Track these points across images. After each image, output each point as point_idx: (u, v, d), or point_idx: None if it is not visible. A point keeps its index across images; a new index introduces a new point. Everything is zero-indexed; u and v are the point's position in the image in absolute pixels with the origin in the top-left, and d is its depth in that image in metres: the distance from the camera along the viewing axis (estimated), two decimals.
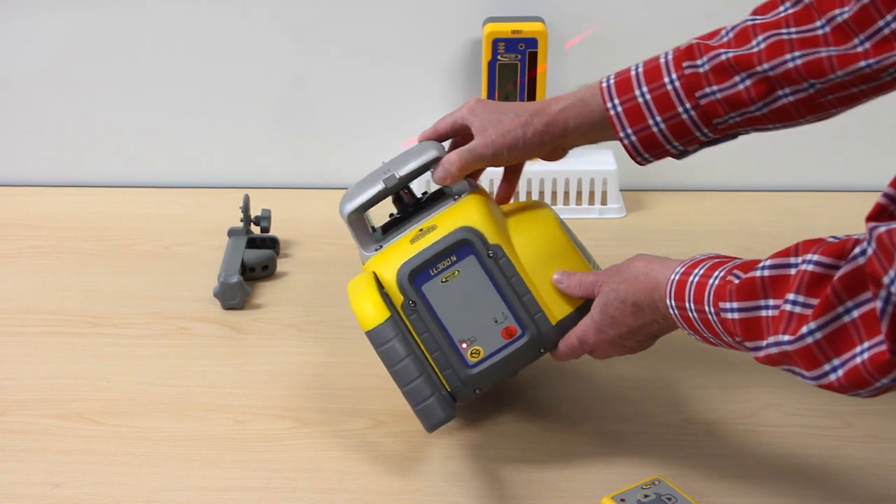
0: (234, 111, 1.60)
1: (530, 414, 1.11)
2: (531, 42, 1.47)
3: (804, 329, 0.80)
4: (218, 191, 1.59)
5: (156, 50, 1.57)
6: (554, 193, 1.53)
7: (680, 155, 1.06)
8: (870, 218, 0.77)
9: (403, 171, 1.06)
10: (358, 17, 1.54)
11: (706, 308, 0.89)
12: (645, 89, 1.02)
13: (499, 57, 1.48)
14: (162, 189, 1.61)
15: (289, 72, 1.57)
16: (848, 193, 1.57)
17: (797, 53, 0.95)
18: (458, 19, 1.53)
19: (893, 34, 0.90)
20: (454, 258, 1.01)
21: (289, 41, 1.56)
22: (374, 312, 0.98)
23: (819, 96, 0.97)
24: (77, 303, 1.32)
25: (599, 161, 1.52)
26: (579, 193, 1.54)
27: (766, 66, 0.97)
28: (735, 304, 0.86)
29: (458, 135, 1.11)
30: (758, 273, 0.85)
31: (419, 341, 1.00)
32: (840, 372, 0.80)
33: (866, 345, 0.78)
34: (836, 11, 0.93)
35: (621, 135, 1.04)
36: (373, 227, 1.10)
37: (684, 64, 1.01)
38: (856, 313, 0.78)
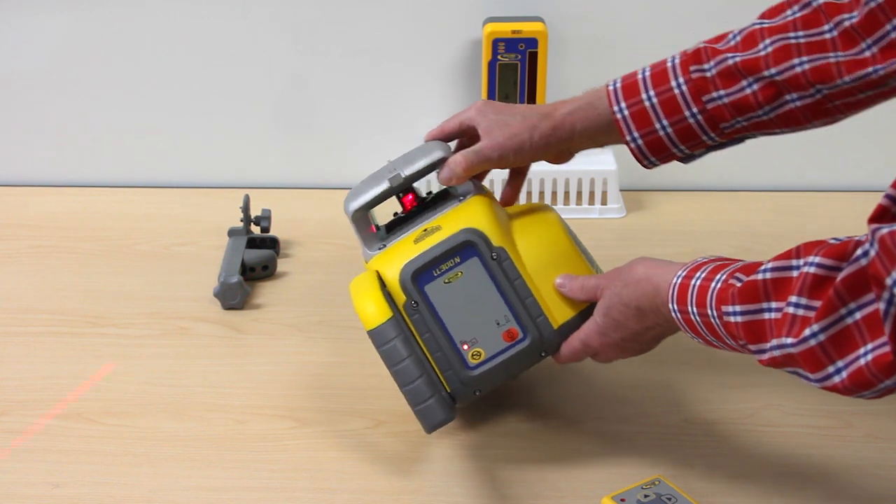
0: (234, 111, 1.60)
1: (530, 414, 1.11)
2: (531, 42, 1.47)
3: (807, 331, 0.80)
4: (218, 191, 1.59)
5: (156, 50, 1.57)
6: (554, 193, 1.53)
7: (686, 158, 1.06)
8: (872, 219, 0.77)
9: (409, 170, 1.06)
10: (358, 17, 1.54)
11: (709, 311, 0.89)
12: (652, 93, 1.02)
13: (499, 57, 1.48)
14: (162, 189, 1.61)
15: (289, 72, 1.57)
16: (848, 193, 1.57)
17: (805, 59, 0.95)
18: (458, 19, 1.53)
19: None
20: (458, 259, 1.01)
21: (289, 41, 1.56)
22: (376, 312, 0.98)
23: (826, 102, 0.97)
24: (77, 303, 1.32)
25: (599, 161, 1.52)
26: (579, 193, 1.54)
27: (773, 70, 0.97)
28: (738, 308, 0.86)
29: (465, 135, 1.10)
30: (760, 276, 0.85)
31: (420, 341, 1.00)
32: (844, 374, 0.80)
33: (870, 346, 0.78)
34: (845, 16, 0.92)
35: (628, 138, 1.04)
36: (376, 226, 1.10)
37: (691, 68, 1.01)
38: (858, 315, 0.78)
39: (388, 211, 1.12)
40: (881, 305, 0.76)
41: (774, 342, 0.83)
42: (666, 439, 1.07)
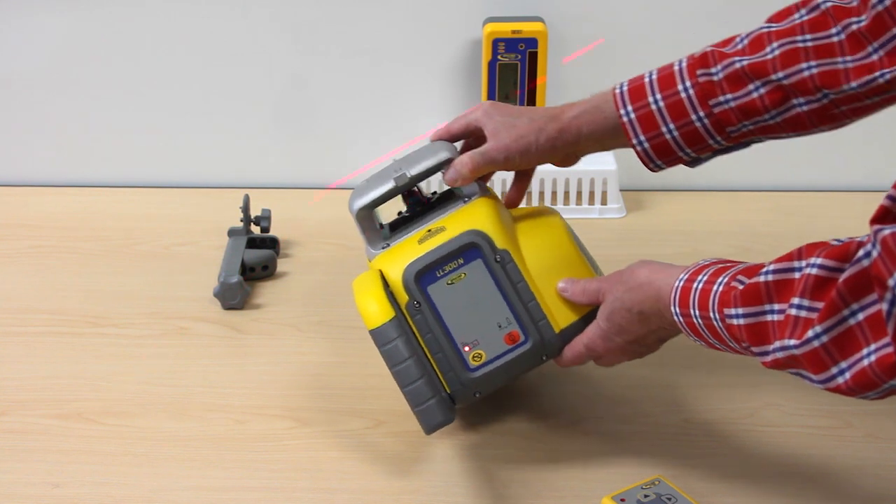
0: (234, 111, 1.60)
1: (530, 414, 1.11)
2: (531, 42, 1.47)
3: (810, 333, 0.80)
4: (218, 191, 1.59)
5: (156, 50, 1.57)
6: (554, 193, 1.53)
7: (692, 162, 1.06)
8: (874, 220, 0.77)
9: (415, 170, 1.06)
10: (358, 17, 1.54)
11: (711, 315, 0.89)
12: (658, 96, 1.02)
13: (499, 57, 1.48)
14: (162, 189, 1.61)
15: (289, 72, 1.57)
16: (848, 193, 1.57)
17: (812, 63, 0.95)
18: (458, 19, 1.53)
19: None
20: (461, 261, 1.01)
21: (289, 41, 1.56)
22: (378, 311, 0.98)
23: (833, 107, 0.96)
24: (77, 303, 1.32)
25: (599, 161, 1.52)
26: (579, 193, 1.54)
27: (780, 74, 0.96)
28: (740, 310, 0.86)
29: (471, 136, 1.10)
30: (762, 278, 0.85)
31: (422, 341, 1.00)
32: (847, 375, 0.80)
33: (873, 347, 0.78)
34: (853, 19, 0.92)
35: (634, 141, 1.04)
36: (380, 224, 1.10)
37: (698, 72, 1.01)
38: (861, 316, 0.78)
39: (392, 210, 1.12)
40: (884, 306, 0.76)
41: (777, 344, 0.83)
42: (666, 439, 1.07)
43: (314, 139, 1.61)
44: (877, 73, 0.91)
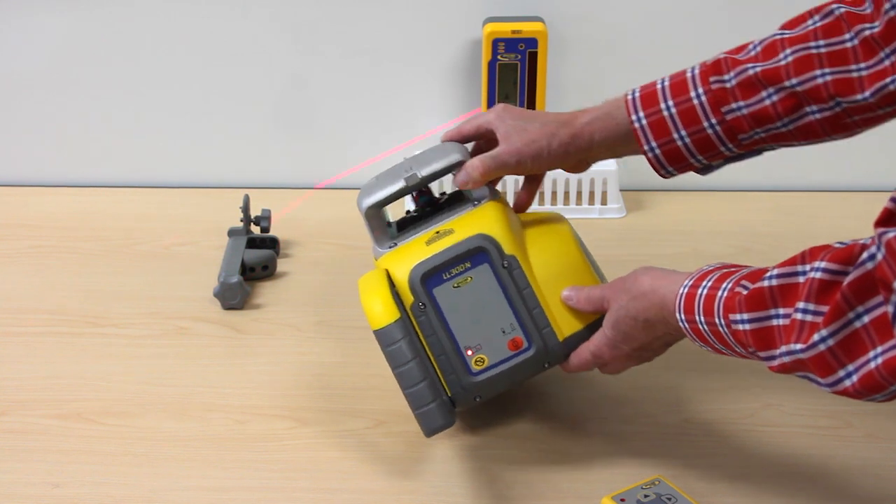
0: (234, 111, 1.60)
1: (530, 414, 1.11)
2: (531, 42, 1.47)
3: (816, 337, 0.80)
4: (218, 191, 1.59)
5: (156, 50, 1.57)
6: (554, 193, 1.53)
7: (703, 169, 1.06)
8: (878, 223, 0.77)
9: (426, 171, 1.05)
10: (358, 17, 1.54)
11: (717, 320, 0.89)
12: (671, 103, 1.02)
13: (499, 57, 1.48)
14: (162, 189, 1.61)
15: (289, 72, 1.57)
16: (848, 193, 1.57)
17: (826, 70, 0.94)
18: (458, 19, 1.53)
19: None
20: (468, 265, 1.01)
21: (289, 41, 1.56)
22: (383, 312, 0.97)
23: (845, 116, 0.96)
24: (77, 303, 1.32)
25: (600, 161, 1.51)
26: (579, 193, 1.54)
27: (794, 80, 0.96)
28: (745, 316, 0.86)
29: (482, 139, 1.10)
30: (766, 283, 0.85)
31: (424, 343, 1.00)
32: (854, 377, 0.80)
33: (879, 349, 0.78)
34: (866, 25, 0.92)
35: (645, 147, 1.03)
36: (388, 223, 1.10)
37: (711, 79, 1.00)
38: (867, 318, 0.78)
39: (397, 208, 1.11)
40: (889, 309, 0.76)
41: (784, 349, 0.83)
42: (666, 439, 1.07)
43: (314, 139, 1.61)
44: (888, 80, 0.90)
